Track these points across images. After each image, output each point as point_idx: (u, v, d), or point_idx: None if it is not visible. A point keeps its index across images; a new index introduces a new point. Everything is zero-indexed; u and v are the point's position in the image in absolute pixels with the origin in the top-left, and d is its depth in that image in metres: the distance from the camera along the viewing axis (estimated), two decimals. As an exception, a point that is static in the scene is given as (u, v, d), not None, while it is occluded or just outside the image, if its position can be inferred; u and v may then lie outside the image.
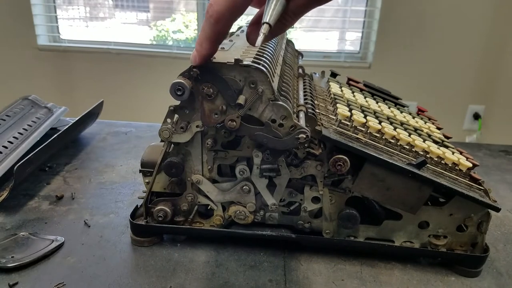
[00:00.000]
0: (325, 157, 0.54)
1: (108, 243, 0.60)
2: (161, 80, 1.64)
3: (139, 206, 0.62)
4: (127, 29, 2.51)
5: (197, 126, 0.53)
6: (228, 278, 0.54)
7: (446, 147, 0.64)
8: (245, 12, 0.40)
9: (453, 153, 0.61)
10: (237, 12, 0.38)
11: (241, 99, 0.49)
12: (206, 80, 0.49)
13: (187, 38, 2.55)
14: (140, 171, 0.60)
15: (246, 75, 0.49)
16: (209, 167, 0.56)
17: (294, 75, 0.72)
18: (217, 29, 0.39)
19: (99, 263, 0.56)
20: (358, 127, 0.58)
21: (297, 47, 0.93)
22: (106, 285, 0.52)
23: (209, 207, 0.59)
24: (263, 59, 0.53)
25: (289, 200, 0.58)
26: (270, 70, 0.52)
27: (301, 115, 0.54)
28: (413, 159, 0.56)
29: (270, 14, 0.37)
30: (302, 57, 0.89)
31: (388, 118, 0.66)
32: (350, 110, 0.62)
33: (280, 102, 0.50)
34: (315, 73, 0.86)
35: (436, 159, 0.59)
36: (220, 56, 0.49)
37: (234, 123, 0.50)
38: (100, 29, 2.48)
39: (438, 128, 0.75)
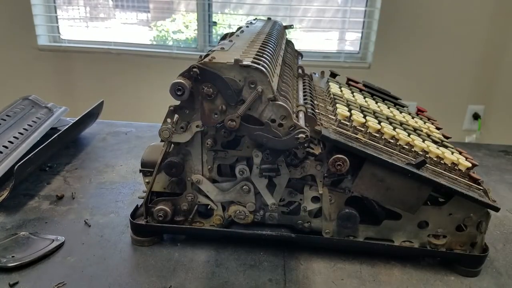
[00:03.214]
0: (325, 157, 0.55)
1: (108, 243, 0.60)
2: (161, 80, 1.64)
3: (139, 206, 0.62)
4: (127, 29, 2.51)
5: (197, 126, 0.53)
6: (228, 277, 0.54)
7: (446, 147, 0.64)
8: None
9: (452, 153, 0.62)
10: None
11: None
12: (206, 80, 0.49)
13: (187, 38, 2.55)
14: (140, 171, 0.60)
15: (246, 75, 0.49)
16: (209, 167, 0.57)
17: (293, 75, 0.72)
18: None
19: (99, 262, 0.56)
20: (357, 127, 0.58)
21: (297, 47, 0.94)
22: (106, 285, 0.52)
23: (209, 207, 0.59)
24: (263, 59, 0.53)
25: (289, 199, 0.58)
26: (269, 70, 0.52)
27: (301, 115, 0.54)
28: (412, 159, 0.56)
29: None
30: (301, 57, 0.89)
31: (387, 118, 0.67)
32: (350, 110, 0.62)
33: (279, 102, 0.50)
34: (315, 73, 0.86)
35: (435, 159, 0.59)
36: (220, 56, 0.50)
37: (234, 123, 0.50)
38: (100, 29, 2.48)
39: (438, 128, 0.75)
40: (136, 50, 2.34)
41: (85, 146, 0.93)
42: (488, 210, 0.56)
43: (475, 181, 0.59)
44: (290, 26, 0.95)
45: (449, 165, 0.59)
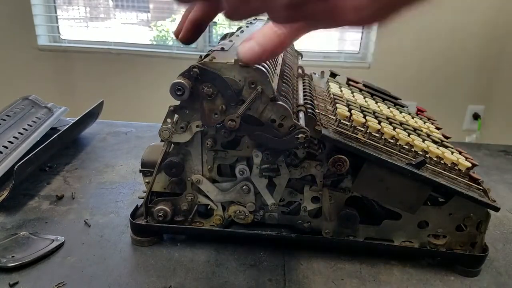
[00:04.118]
0: (325, 157, 0.55)
1: (108, 243, 0.60)
2: (161, 80, 1.64)
3: (139, 206, 0.62)
4: (127, 29, 2.51)
5: (197, 126, 0.53)
6: (228, 277, 0.54)
7: (445, 147, 0.64)
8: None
9: (452, 153, 0.62)
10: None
11: None
12: (206, 80, 0.49)
13: (187, 38, 2.54)
14: (140, 171, 0.60)
15: (246, 75, 0.49)
16: (209, 167, 0.57)
17: (293, 75, 0.72)
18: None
19: (99, 262, 0.56)
20: (357, 127, 0.58)
21: (296, 47, 0.94)
22: (106, 285, 0.52)
23: (209, 207, 0.59)
24: (263, 59, 0.53)
25: (289, 199, 0.58)
26: (269, 70, 0.52)
27: (301, 115, 0.54)
28: (412, 159, 0.56)
29: None
30: (301, 57, 0.89)
31: (387, 118, 0.66)
32: (350, 110, 0.62)
33: (279, 102, 0.50)
34: (315, 73, 0.86)
35: (435, 159, 0.59)
36: (220, 56, 0.50)
37: (234, 123, 0.50)
38: (100, 29, 2.48)
39: (438, 128, 0.75)
40: (136, 50, 2.34)
41: (85, 146, 0.93)
42: (488, 210, 0.56)
43: (475, 181, 0.59)
44: (290, 26, 0.95)
45: (449, 165, 0.59)
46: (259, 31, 0.35)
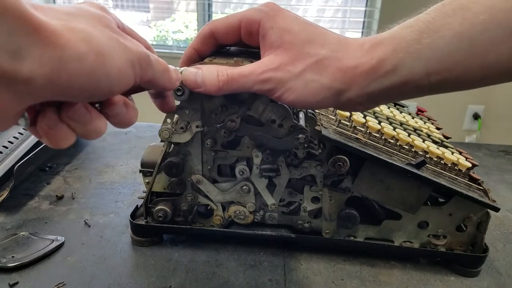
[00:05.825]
0: (325, 157, 0.55)
1: (108, 243, 0.60)
2: (161, 80, 1.64)
3: (139, 206, 0.62)
4: (127, 29, 2.51)
5: (197, 126, 0.53)
6: (228, 277, 0.54)
7: (446, 147, 0.64)
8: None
9: (452, 153, 0.62)
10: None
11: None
12: (206, 80, 0.49)
13: (187, 38, 2.55)
14: (140, 171, 0.60)
15: (246, 75, 0.49)
16: (209, 167, 0.57)
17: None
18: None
19: (99, 263, 0.56)
20: (357, 127, 0.58)
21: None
22: (106, 285, 0.52)
23: (209, 207, 0.59)
24: (263, 59, 0.53)
25: (289, 200, 0.58)
26: (270, 70, 0.52)
27: (301, 115, 0.54)
28: (412, 159, 0.56)
29: None
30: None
31: (387, 118, 0.67)
32: (350, 110, 0.62)
33: (279, 102, 0.50)
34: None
35: (435, 159, 0.59)
36: (220, 56, 0.50)
37: (234, 123, 0.50)
38: (100, 29, 2.48)
39: (438, 128, 0.75)
40: (136, 50, 2.33)
41: (85, 146, 0.93)
42: (488, 210, 0.56)
43: (475, 181, 0.59)
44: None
45: (449, 165, 0.59)
46: (211, 67, 0.42)
